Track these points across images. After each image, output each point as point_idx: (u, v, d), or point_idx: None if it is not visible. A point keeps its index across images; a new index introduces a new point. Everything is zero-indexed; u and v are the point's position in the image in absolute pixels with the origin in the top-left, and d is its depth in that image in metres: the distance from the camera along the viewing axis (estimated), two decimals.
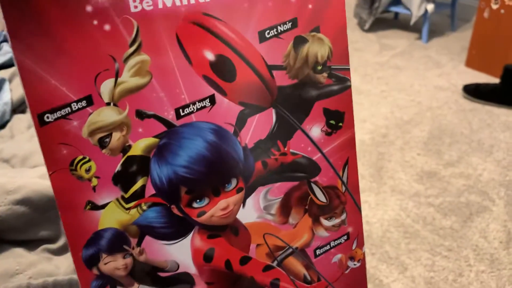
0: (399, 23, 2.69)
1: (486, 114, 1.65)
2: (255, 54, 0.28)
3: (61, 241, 0.46)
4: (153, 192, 0.28)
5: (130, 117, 0.26)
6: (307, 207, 0.33)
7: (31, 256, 0.44)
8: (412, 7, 2.32)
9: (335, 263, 0.36)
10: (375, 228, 1.12)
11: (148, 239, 0.29)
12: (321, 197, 0.34)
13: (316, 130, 0.32)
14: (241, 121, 0.29)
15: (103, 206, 0.27)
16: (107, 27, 0.24)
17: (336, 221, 0.35)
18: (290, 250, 0.34)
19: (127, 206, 0.27)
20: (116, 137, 0.26)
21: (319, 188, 0.33)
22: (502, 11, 1.85)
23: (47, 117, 0.24)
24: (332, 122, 0.32)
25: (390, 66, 2.09)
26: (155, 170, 0.27)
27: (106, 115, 0.25)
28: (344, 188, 0.34)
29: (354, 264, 0.37)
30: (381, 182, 1.28)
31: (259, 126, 0.30)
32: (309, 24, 0.30)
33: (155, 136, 0.27)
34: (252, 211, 0.31)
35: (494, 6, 1.88)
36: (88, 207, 0.26)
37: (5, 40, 0.90)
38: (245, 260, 0.31)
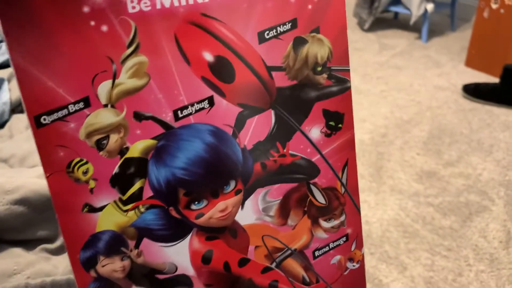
0: (399, 23, 2.69)
1: (485, 114, 1.65)
2: (254, 55, 0.28)
3: (59, 241, 0.46)
4: (151, 194, 0.28)
5: (128, 119, 0.26)
6: (306, 208, 0.33)
7: (29, 256, 0.44)
8: (411, 7, 2.32)
9: (334, 265, 0.36)
10: (375, 228, 1.12)
11: (146, 241, 0.28)
12: (320, 198, 0.33)
13: (315, 132, 0.32)
14: (240, 123, 0.29)
15: (100, 209, 0.26)
16: (104, 28, 0.24)
17: (335, 222, 0.35)
18: (289, 251, 0.33)
19: (124, 208, 0.27)
20: (114, 139, 0.26)
21: (318, 189, 0.33)
22: (502, 10, 1.85)
23: (44, 119, 0.24)
24: (332, 123, 0.32)
25: (389, 66, 2.09)
26: (153, 172, 0.27)
27: (103, 117, 0.25)
28: (343, 190, 0.34)
29: (353, 266, 0.37)
30: (381, 181, 1.28)
31: (258, 127, 0.30)
32: (309, 25, 0.29)
33: (153, 138, 0.27)
34: (250, 213, 0.31)
35: (494, 6, 1.88)
36: (86, 209, 0.26)
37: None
38: (243, 262, 0.31)
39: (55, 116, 0.24)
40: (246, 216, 0.31)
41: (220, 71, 0.27)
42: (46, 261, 0.44)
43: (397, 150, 1.43)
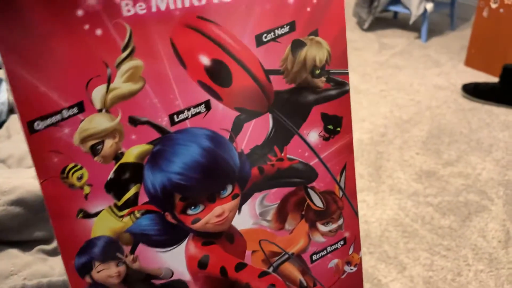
0: (399, 22, 2.68)
1: (485, 114, 1.65)
2: (251, 58, 0.28)
3: (56, 242, 0.46)
4: (147, 199, 0.27)
5: (123, 123, 0.25)
6: (303, 212, 0.33)
7: (26, 257, 0.44)
8: (411, 6, 2.31)
9: (331, 268, 0.36)
10: (374, 228, 1.12)
11: (141, 246, 0.28)
12: (318, 202, 0.33)
13: (313, 135, 0.31)
14: (237, 127, 0.29)
15: (95, 214, 0.26)
16: (98, 31, 0.23)
17: (333, 226, 0.34)
18: (286, 256, 0.33)
19: (120, 214, 0.27)
20: (109, 144, 0.25)
21: (316, 193, 0.33)
22: (501, 10, 1.85)
23: (37, 125, 0.23)
24: (330, 127, 0.32)
25: (389, 66, 2.08)
26: (148, 177, 0.27)
27: (97, 122, 0.25)
28: (341, 193, 0.34)
29: (351, 269, 0.36)
30: (380, 181, 1.28)
31: (256, 131, 0.29)
32: (308, 27, 0.29)
33: (148, 143, 0.26)
34: (247, 217, 0.31)
35: (493, 5, 1.88)
36: (80, 215, 0.26)
37: None
38: (240, 266, 0.31)
39: (48, 121, 0.23)
40: (243, 220, 0.31)
41: (217, 75, 0.27)
42: (43, 262, 0.44)
43: (397, 149, 1.43)
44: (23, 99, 0.23)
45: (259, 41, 0.28)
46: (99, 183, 0.26)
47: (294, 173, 0.32)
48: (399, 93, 1.81)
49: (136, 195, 0.27)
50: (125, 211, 0.27)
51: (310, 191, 0.33)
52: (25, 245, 0.45)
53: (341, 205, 0.34)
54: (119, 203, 0.26)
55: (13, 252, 0.43)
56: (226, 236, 0.30)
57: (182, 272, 0.30)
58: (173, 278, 0.29)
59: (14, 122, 0.71)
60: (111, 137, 0.25)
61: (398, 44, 2.34)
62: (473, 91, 1.74)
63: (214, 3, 0.26)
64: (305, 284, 0.34)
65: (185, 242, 0.29)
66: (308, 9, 0.29)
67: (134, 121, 0.26)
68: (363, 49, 2.29)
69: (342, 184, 0.34)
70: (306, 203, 0.33)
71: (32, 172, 0.51)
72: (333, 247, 0.35)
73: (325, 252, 0.35)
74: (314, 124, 0.31)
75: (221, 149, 0.28)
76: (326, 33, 0.30)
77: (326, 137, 0.32)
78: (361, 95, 1.80)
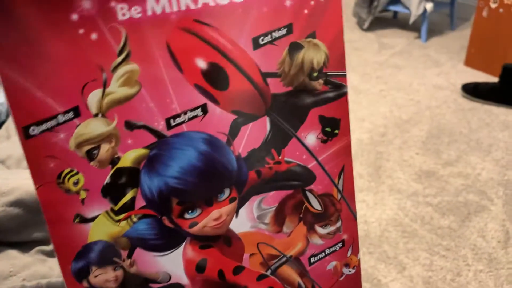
0: (398, 22, 2.68)
1: (485, 113, 1.64)
2: (248, 61, 0.28)
3: None
4: (143, 203, 0.27)
5: (119, 128, 0.25)
6: (301, 215, 0.33)
7: (25, 258, 0.44)
8: (411, 6, 2.31)
9: (330, 271, 0.35)
10: (373, 228, 1.12)
11: (139, 250, 0.28)
12: (316, 205, 0.33)
13: (311, 138, 0.31)
14: (234, 130, 0.29)
15: (92, 219, 0.26)
16: (93, 36, 0.23)
17: (331, 228, 0.34)
18: (284, 258, 0.33)
19: (117, 218, 0.27)
20: (105, 149, 0.25)
21: (314, 196, 0.33)
22: (501, 10, 1.85)
23: (33, 130, 0.23)
24: (328, 129, 0.32)
25: (389, 65, 2.08)
26: (145, 181, 0.27)
27: (93, 127, 0.25)
28: (339, 196, 0.34)
29: (349, 271, 0.36)
30: (380, 181, 1.28)
31: (253, 134, 0.29)
32: (305, 30, 0.29)
33: (145, 147, 0.26)
34: (245, 220, 0.31)
35: (493, 5, 1.88)
36: (77, 220, 0.26)
37: None
38: (238, 269, 0.30)
39: (44, 126, 0.23)
40: (241, 224, 0.31)
41: (214, 78, 0.27)
42: (42, 263, 0.44)
43: (396, 149, 1.43)
44: (18, 105, 0.22)
45: (256, 44, 0.28)
46: (96, 188, 0.26)
47: (292, 176, 0.31)
48: (399, 93, 1.81)
49: (133, 199, 0.27)
50: (122, 216, 0.27)
51: (308, 193, 0.32)
52: (24, 246, 0.45)
53: (339, 208, 0.34)
54: (116, 208, 0.26)
55: (12, 253, 0.43)
56: (223, 240, 0.30)
57: (180, 276, 0.29)
58: (171, 282, 0.29)
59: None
60: (107, 141, 0.25)
61: (398, 44, 2.34)
62: (473, 91, 1.74)
63: (211, 6, 0.26)
64: (303, 286, 0.34)
65: (183, 246, 0.29)
66: (306, 11, 0.28)
67: (130, 126, 0.26)
68: (363, 49, 2.28)
69: (340, 187, 0.34)
70: (304, 205, 0.33)
71: None
72: (332, 249, 0.35)
73: (323, 254, 0.35)
74: (312, 127, 0.31)
75: (218, 153, 0.28)
76: (324, 36, 0.29)
77: (324, 139, 0.32)
78: (361, 95, 1.80)
